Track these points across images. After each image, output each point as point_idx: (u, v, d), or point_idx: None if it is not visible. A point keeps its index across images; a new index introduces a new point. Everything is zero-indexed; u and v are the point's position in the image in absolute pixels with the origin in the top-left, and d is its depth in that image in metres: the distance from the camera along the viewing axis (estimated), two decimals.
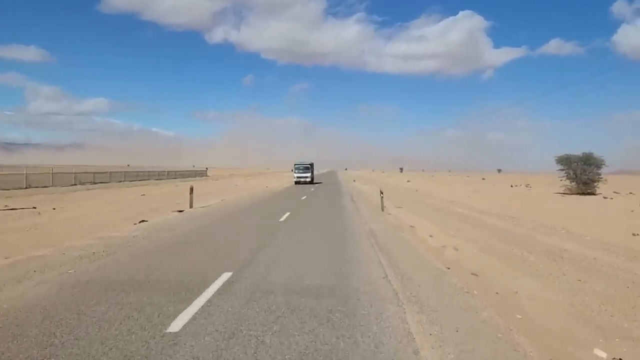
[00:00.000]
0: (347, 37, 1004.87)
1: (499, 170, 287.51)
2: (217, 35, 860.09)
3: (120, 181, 51.68)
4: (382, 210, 21.93)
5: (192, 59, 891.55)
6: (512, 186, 59.33)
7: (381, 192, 25.06)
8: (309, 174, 54.95)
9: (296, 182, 53.13)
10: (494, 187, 55.74)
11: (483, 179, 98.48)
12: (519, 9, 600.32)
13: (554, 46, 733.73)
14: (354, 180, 70.86)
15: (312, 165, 56.95)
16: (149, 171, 65.68)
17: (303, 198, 30.87)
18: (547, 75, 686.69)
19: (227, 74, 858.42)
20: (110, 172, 52.97)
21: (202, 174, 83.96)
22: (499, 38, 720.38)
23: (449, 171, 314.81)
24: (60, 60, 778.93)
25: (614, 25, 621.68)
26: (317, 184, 53.17)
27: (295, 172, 55.39)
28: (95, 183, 45.49)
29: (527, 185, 60.74)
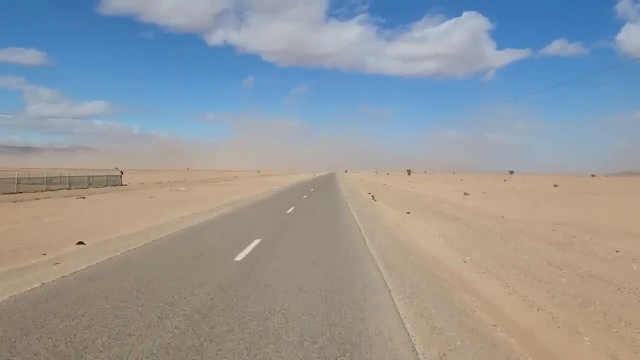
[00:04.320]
0: (348, 39, 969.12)
1: (511, 172, 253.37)
2: (218, 37, 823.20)
3: None
4: None
5: (192, 61, 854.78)
6: None
7: None
8: None
9: None
10: None
11: (555, 185, 63.37)
12: (523, 9, 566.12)
13: (557, 47, 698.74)
14: (373, 198, 35.15)
15: None
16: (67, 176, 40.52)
17: None
18: (550, 76, 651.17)
19: (227, 76, 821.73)
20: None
21: (109, 182, 48.15)
22: (502, 39, 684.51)
23: (453, 173, 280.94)
24: (59, 63, 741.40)
25: (618, 24, 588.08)
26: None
27: None
28: None
29: None
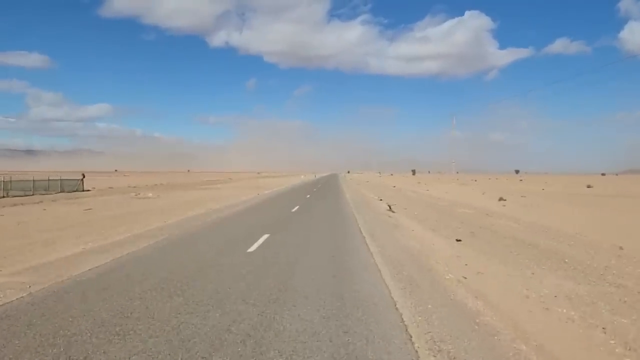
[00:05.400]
0: (350, 39, 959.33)
1: (517, 171, 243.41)
2: (220, 39, 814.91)
3: None
4: None
5: (194, 63, 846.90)
6: None
7: None
8: None
9: None
10: None
11: (589, 186, 54.91)
12: (525, 8, 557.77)
13: (560, 45, 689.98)
14: (390, 208, 26.74)
15: None
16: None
17: None
18: (553, 75, 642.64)
19: (230, 78, 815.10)
20: None
21: (65, 187, 39.78)
22: (504, 38, 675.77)
23: (457, 172, 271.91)
24: (62, 66, 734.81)
25: (621, 22, 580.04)
26: None
27: None
28: None
29: None
